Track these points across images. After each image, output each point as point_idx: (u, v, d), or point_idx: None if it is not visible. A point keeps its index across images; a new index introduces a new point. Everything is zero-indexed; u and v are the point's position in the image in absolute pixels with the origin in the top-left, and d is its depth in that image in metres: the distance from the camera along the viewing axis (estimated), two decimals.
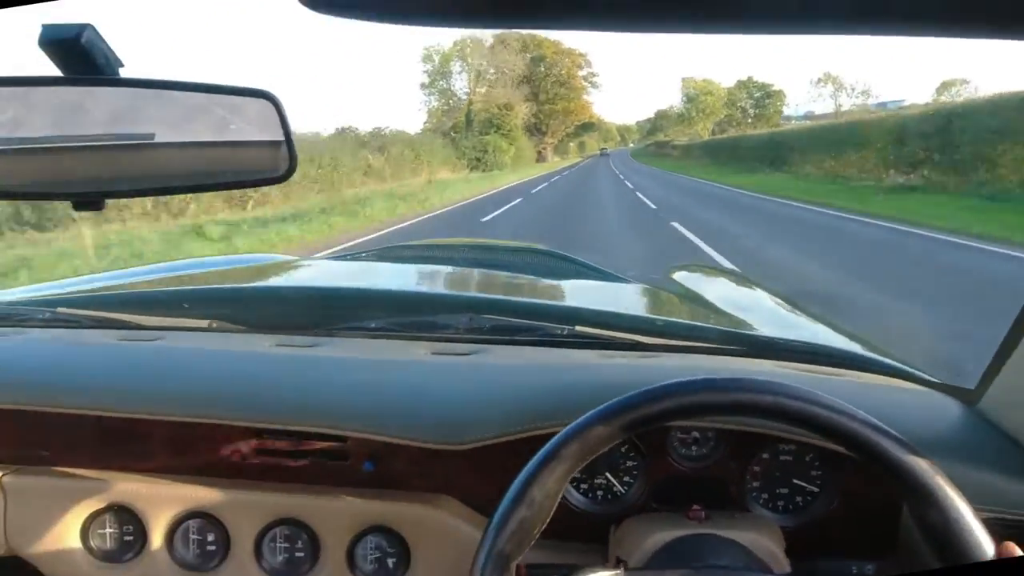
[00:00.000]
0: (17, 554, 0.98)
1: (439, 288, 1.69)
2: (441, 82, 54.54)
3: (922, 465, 0.60)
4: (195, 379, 0.99)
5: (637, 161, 62.94)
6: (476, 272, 1.87)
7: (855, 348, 1.27)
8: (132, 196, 0.60)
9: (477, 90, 53.93)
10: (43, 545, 0.97)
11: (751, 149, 35.13)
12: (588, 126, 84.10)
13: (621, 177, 30.92)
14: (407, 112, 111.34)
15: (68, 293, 1.44)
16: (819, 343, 1.25)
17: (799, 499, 0.93)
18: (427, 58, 53.88)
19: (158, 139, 0.60)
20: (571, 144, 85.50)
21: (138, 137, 0.61)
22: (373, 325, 1.17)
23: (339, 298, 1.34)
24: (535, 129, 63.79)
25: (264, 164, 0.59)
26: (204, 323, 1.20)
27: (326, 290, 1.45)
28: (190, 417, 0.94)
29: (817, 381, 0.97)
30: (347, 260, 2.07)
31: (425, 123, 51.61)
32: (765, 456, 0.92)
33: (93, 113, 0.59)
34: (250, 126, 0.58)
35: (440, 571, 0.92)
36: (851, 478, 0.90)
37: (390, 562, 0.93)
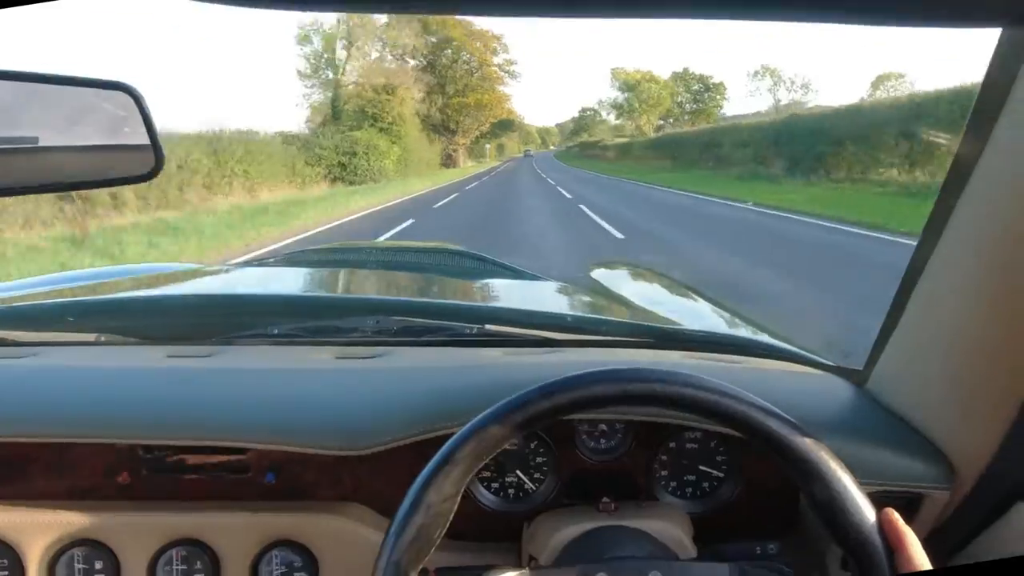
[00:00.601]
0: None
1: (346, 291, 1.65)
2: (326, 71, 39.75)
3: (806, 442, 0.61)
4: (76, 396, 0.93)
5: (566, 164, 58.91)
6: (386, 274, 1.84)
7: (757, 336, 1.31)
8: (8, 195, 0.55)
9: (348, 66, 38.58)
10: None
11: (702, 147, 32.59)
12: (506, 124, 74.70)
13: (553, 183, 26.37)
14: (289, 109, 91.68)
15: None
16: (723, 332, 1.29)
17: (705, 485, 0.95)
18: (304, 39, 39.48)
19: (36, 140, 0.55)
20: (487, 146, 77.83)
21: (16, 141, 0.55)
22: (276, 332, 1.13)
23: (239, 305, 1.28)
24: (443, 128, 53.89)
25: (127, 162, 0.55)
26: (90, 336, 1.12)
27: (225, 297, 1.38)
28: (71, 438, 0.88)
29: (718, 369, 0.99)
30: (253, 266, 1.99)
31: (307, 121, 38.21)
32: (672, 445, 0.94)
33: None
34: (110, 121, 0.54)
35: None
36: (753, 462, 0.92)
37: None
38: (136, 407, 0.90)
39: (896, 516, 0.61)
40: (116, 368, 1.01)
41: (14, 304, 1.27)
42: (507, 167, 55.01)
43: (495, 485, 0.94)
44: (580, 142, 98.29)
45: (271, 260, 2.06)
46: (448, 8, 0.32)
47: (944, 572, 0.69)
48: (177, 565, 0.89)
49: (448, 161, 53.71)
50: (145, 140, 0.53)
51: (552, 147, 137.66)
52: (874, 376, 0.92)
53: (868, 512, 0.61)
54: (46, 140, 0.56)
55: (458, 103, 55.02)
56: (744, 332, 1.38)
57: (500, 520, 0.93)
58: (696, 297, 1.92)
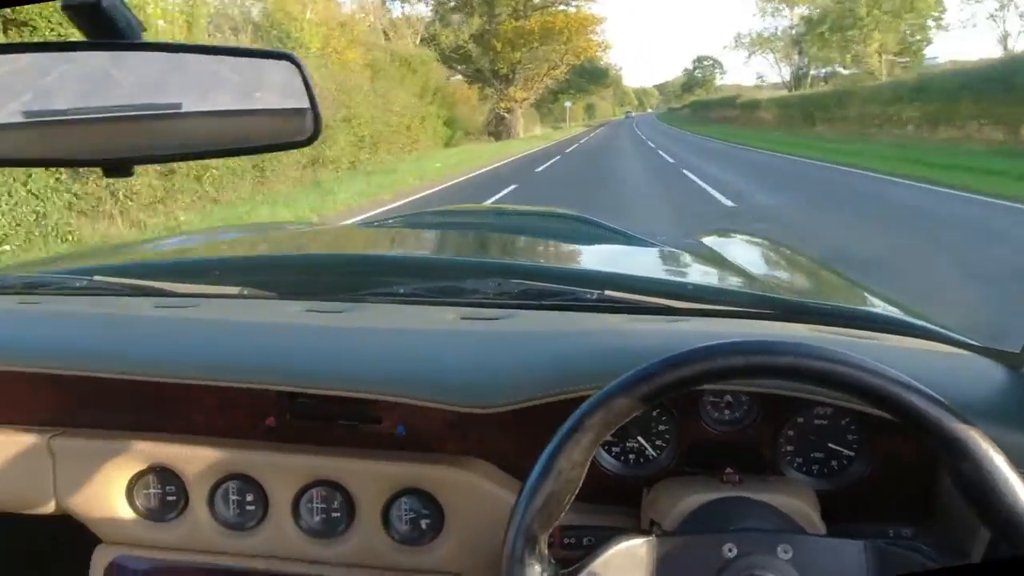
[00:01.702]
0: (67, 512, 1.01)
1: (466, 253, 1.68)
2: None
3: (954, 419, 0.58)
4: (228, 345, 1.01)
5: (687, 131, 40.88)
6: (503, 237, 1.86)
7: (892, 312, 1.24)
8: (160, 162, 0.60)
9: None
10: (91, 504, 1.00)
11: None
12: (596, 73, 52.51)
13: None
14: None
15: (104, 262, 1.47)
16: (855, 307, 1.23)
17: (834, 463, 0.92)
18: None
19: (184, 108, 0.60)
20: (568, 104, 51.68)
21: (165, 107, 0.60)
22: (401, 291, 1.18)
23: (367, 264, 1.34)
24: (492, 74, 34.20)
25: (290, 128, 0.59)
26: (235, 290, 1.21)
27: (354, 257, 1.45)
28: (224, 381, 0.96)
29: (852, 345, 0.95)
30: (374, 227, 2.07)
31: None
32: (800, 420, 0.91)
33: (120, 81, 0.59)
34: (274, 90, 0.57)
35: (473, 532, 0.93)
36: (888, 442, 0.88)
37: (424, 523, 0.95)
38: (281, 357, 0.97)
39: None
40: (261, 320, 1.09)
41: (172, 259, 1.39)
42: (598, 137, 37.08)
43: (616, 450, 0.95)
44: (693, 101, 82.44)
45: (390, 221, 2.14)
46: None
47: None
48: (317, 503, 0.96)
49: (499, 128, 34.43)
50: (306, 106, 0.57)
51: (650, 109, 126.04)
52: None
53: (1022, 492, 0.57)
54: (209, 106, 0.61)
55: (513, 30, 32.71)
56: (878, 308, 1.31)
57: (619, 484, 0.94)
58: (820, 268, 1.83)
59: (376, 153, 17.13)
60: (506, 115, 36.48)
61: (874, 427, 0.88)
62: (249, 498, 0.98)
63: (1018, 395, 0.84)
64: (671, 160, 19.42)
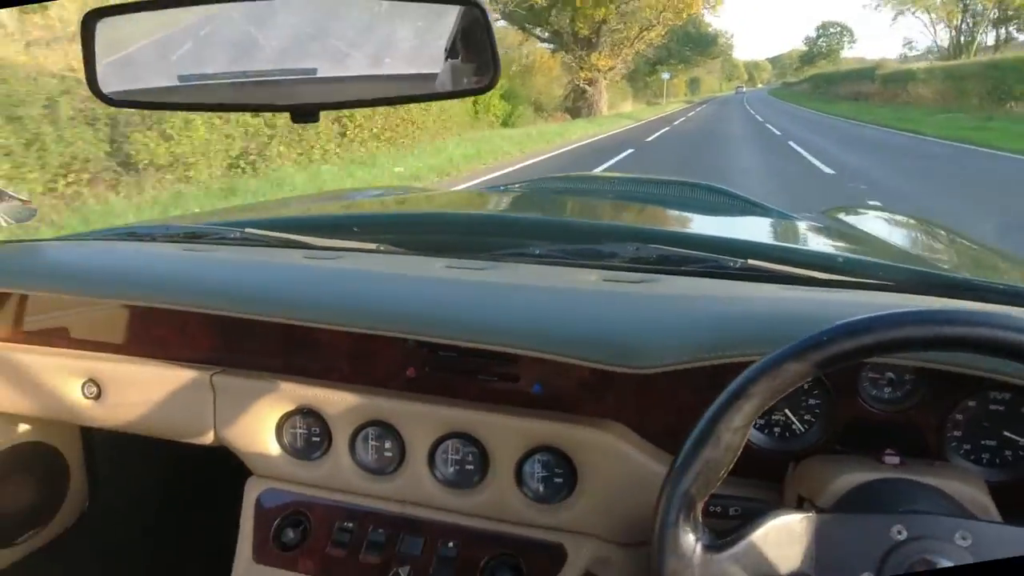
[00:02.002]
0: (224, 444, 1.09)
1: (601, 218, 1.66)
2: None
3: None
4: (372, 295, 1.04)
5: (818, 111, 33.96)
6: (635, 204, 1.83)
7: None
8: (342, 108, 0.62)
9: None
10: (245, 438, 1.07)
11: None
12: (702, 40, 44.54)
13: None
14: None
15: (255, 216, 1.56)
16: (1011, 283, 1.12)
17: (1008, 453, 0.84)
18: None
19: (371, 71, 0.61)
20: (666, 76, 41.92)
21: (353, 71, 0.62)
22: (538, 252, 1.18)
23: (502, 225, 1.35)
24: (572, 38, 28.14)
25: (470, 74, 0.59)
26: (373, 246, 1.25)
27: (489, 216, 1.46)
28: (368, 330, 0.99)
29: None
30: (504, 191, 2.09)
31: None
32: (971, 404, 0.84)
33: (311, 41, 0.61)
34: (457, 37, 0.58)
35: (606, 494, 0.92)
36: None
37: (558, 482, 0.95)
38: (422, 308, 0.99)
39: None
40: (402, 273, 1.13)
41: (315, 215, 1.45)
42: (697, 119, 29.50)
43: (760, 421, 0.92)
44: (814, 75, 69.52)
45: (518, 185, 2.15)
46: None
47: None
48: (452, 455, 0.99)
49: (577, 103, 28.42)
50: (487, 53, 0.57)
51: (760, 84, 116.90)
52: None
53: None
54: (392, 62, 0.62)
55: None
56: None
57: (761, 456, 0.90)
58: (971, 244, 1.69)
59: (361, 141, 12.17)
60: (587, 88, 29.01)
61: None
62: (388, 444, 1.01)
63: None
64: (816, 162, 12.32)
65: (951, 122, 20.37)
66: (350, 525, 1.04)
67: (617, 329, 0.89)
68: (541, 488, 0.96)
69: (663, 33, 32.24)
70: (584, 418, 0.96)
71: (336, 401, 1.03)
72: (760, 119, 28.01)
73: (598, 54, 29.22)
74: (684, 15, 31.39)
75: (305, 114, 0.59)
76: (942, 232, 1.82)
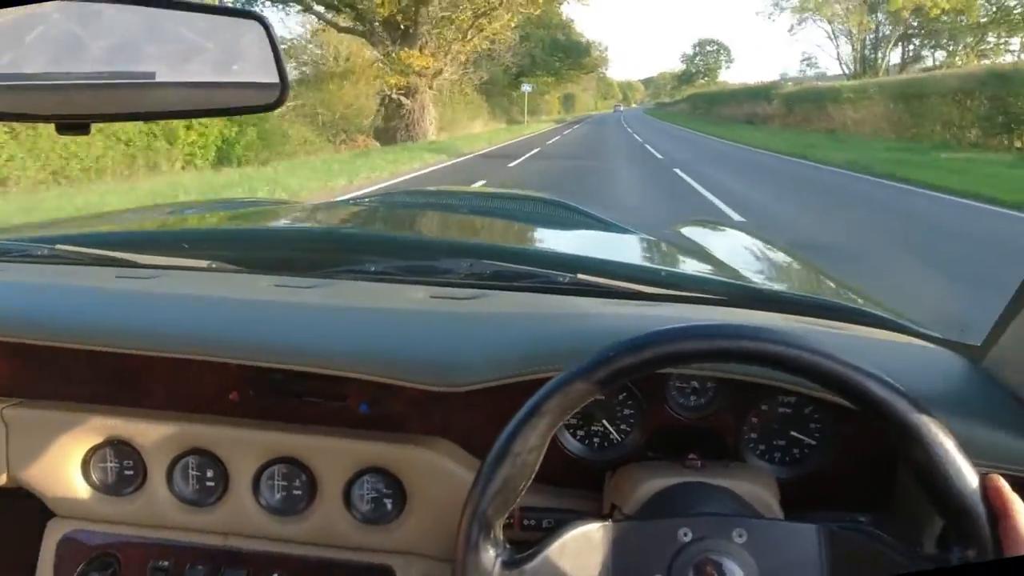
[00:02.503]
0: (21, 485, 0.99)
1: (439, 234, 1.67)
2: None
3: (907, 403, 0.59)
4: (192, 317, 0.99)
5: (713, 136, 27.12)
6: (478, 219, 1.85)
7: (859, 303, 1.25)
8: (122, 121, 0.59)
9: None
10: (45, 477, 0.98)
11: None
12: (575, 50, 38.06)
13: None
14: None
15: (69, 230, 1.43)
16: (824, 298, 1.24)
17: (796, 451, 0.92)
18: None
19: (158, 77, 0.58)
20: (525, 87, 33.99)
21: (135, 75, 0.58)
22: (372, 268, 1.16)
23: (338, 241, 1.32)
24: (384, 24, 19.52)
25: (255, 92, 0.57)
26: (203, 263, 1.19)
27: (324, 232, 1.43)
28: (186, 354, 0.94)
29: (816, 332, 0.96)
30: (349, 205, 2.05)
31: None
32: (764, 407, 0.92)
33: (90, 46, 0.57)
34: (244, 55, 0.56)
35: (435, 512, 0.92)
36: (849, 431, 0.89)
37: (387, 503, 0.94)
38: (246, 330, 0.95)
39: (1002, 482, 0.58)
40: (228, 293, 1.07)
41: (137, 230, 1.36)
42: (563, 144, 22.42)
43: (580, 433, 0.95)
44: (692, 94, 67.34)
45: (367, 200, 2.11)
46: None
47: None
48: (279, 480, 0.95)
49: (395, 124, 20.17)
50: (273, 70, 0.55)
51: (634, 104, 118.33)
52: (993, 353, 0.87)
53: (971, 477, 0.58)
54: (170, 69, 0.59)
55: None
56: (848, 300, 1.32)
57: (583, 467, 0.94)
58: (795, 260, 1.85)
59: None
60: (404, 101, 19.75)
61: (836, 417, 0.89)
62: (209, 473, 0.96)
63: (977, 388, 0.85)
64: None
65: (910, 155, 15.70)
66: (165, 564, 0.97)
67: (437, 348, 0.89)
68: (370, 510, 0.95)
69: (512, 26, 23.41)
70: (412, 436, 0.95)
71: (150, 430, 0.96)
72: (653, 151, 20.56)
73: (418, 51, 19.51)
74: (539, 5, 22.84)
75: (74, 127, 0.54)
76: (777, 249, 1.97)
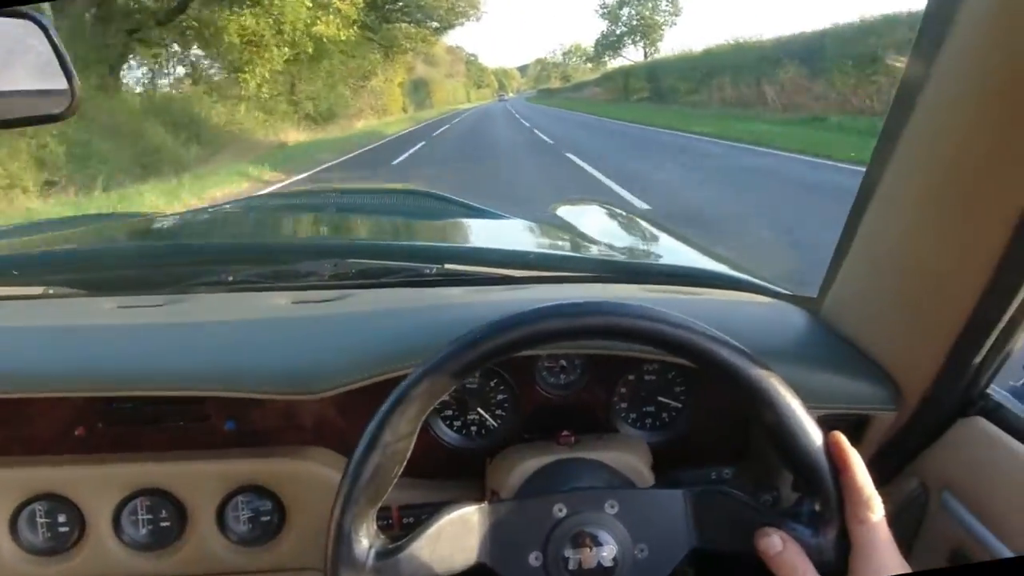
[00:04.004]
0: None
1: (303, 236, 1.61)
2: None
3: (755, 368, 0.62)
4: (26, 352, 0.90)
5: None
6: (343, 217, 1.80)
7: (715, 267, 1.32)
8: None
9: None
10: None
11: None
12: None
13: None
14: None
15: None
16: (682, 265, 1.29)
17: (664, 416, 0.96)
18: None
19: None
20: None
21: None
22: (230, 279, 1.10)
23: (190, 253, 1.25)
24: None
25: (38, 101, 0.51)
26: (38, 290, 1.09)
27: (175, 246, 1.34)
28: (23, 394, 0.86)
29: (675, 301, 1.00)
30: (206, 213, 1.94)
31: None
32: (630, 378, 0.95)
33: None
34: (17, 57, 0.50)
35: (318, 523, 0.89)
36: (709, 392, 0.94)
37: (264, 520, 0.90)
38: (89, 360, 0.88)
39: (842, 438, 0.62)
40: (67, 321, 0.99)
41: None
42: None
43: (457, 423, 0.95)
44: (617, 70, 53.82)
45: (227, 205, 2.01)
46: None
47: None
48: (143, 515, 0.89)
49: None
50: (58, 76, 0.50)
51: (512, 94, 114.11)
52: (827, 303, 0.94)
53: (815, 435, 0.62)
54: None
55: None
56: (705, 265, 1.39)
57: (463, 457, 0.94)
58: (660, 232, 1.92)
59: None
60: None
61: (696, 379, 0.94)
62: (61, 519, 0.88)
63: (815, 337, 0.92)
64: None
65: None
66: None
67: (298, 355, 0.86)
68: (247, 531, 0.90)
69: None
70: (285, 448, 0.91)
71: None
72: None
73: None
74: None
75: None
76: (642, 222, 2.04)
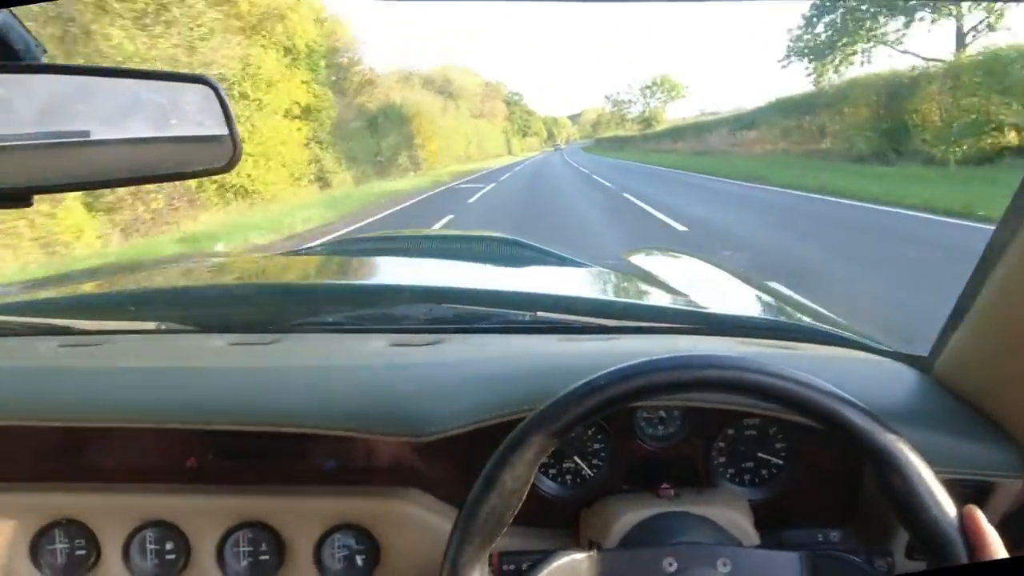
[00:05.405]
0: None
1: (396, 279, 1.66)
2: None
3: (884, 432, 0.60)
4: (142, 384, 0.95)
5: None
6: (433, 262, 1.85)
7: (812, 322, 1.29)
8: (65, 191, 0.57)
9: None
10: None
11: None
12: None
13: None
14: None
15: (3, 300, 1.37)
16: (777, 319, 1.27)
17: (765, 472, 0.94)
18: None
19: (93, 135, 0.56)
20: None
21: (71, 135, 0.56)
22: (330, 320, 1.15)
23: (293, 294, 1.30)
24: None
25: (207, 154, 0.56)
26: (152, 325, 1.15)
27: (279, 287, 1.41)
28: (138, 423, 0.90)
29: (777, 356, 0.98)
30: (302, 255, 2.02)
31: None
32: (730, 432, 0.93)
33: (21, 108, 0.55)
34: (190, 115, 0.55)
35: (412, 565, 0.90)
36: (814, 449, 0.91)
37: (359, 559, 0.91)
38: (201, 394, 0.92)
39: (979, 513, 0.59)
40: (181, 356, 1.04)
41: (80, 294, 1.31)
42: None
43: (553, 471, 0.95)
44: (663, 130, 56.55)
45: (319, 248, 2.09)
46: None
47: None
48: (244, 547, 0.92)
49: None
50: (224, 131, 0.54)
51: (562, 143, 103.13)
52: (941, 362, 0.90)
53: (948, 507, 0.59)
54: (125, 133, 0.57)
55: None
56: (797, 318, 1.36)
57: (558, 506, 0.93)
58: (743, 282, 1.90)
59: None
60: None
61: (800, 435, 0.91)
62: (169, 546, 0.92)
63: (930, 398, 0.89)
64: None
65: None
66: None
67: (400, 398, 0.88)
68: (343, 568, 0.92)
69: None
70: (382, 489, 0.93)
71: (103, 506, 0.92)
72: None
73: None
74: None
75: (13, 199, 0.52)
76: (725, 272, 2.01)
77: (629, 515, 0.81)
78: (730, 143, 32.58)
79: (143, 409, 0.91)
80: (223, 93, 0.54)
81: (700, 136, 39.25)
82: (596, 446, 0.94)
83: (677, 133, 46.91)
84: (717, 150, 32.64)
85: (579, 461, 0.94)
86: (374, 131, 25.76)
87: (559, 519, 0.92)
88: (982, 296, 0.80)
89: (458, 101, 45.08)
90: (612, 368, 0.64)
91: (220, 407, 0.90)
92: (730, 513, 0.82)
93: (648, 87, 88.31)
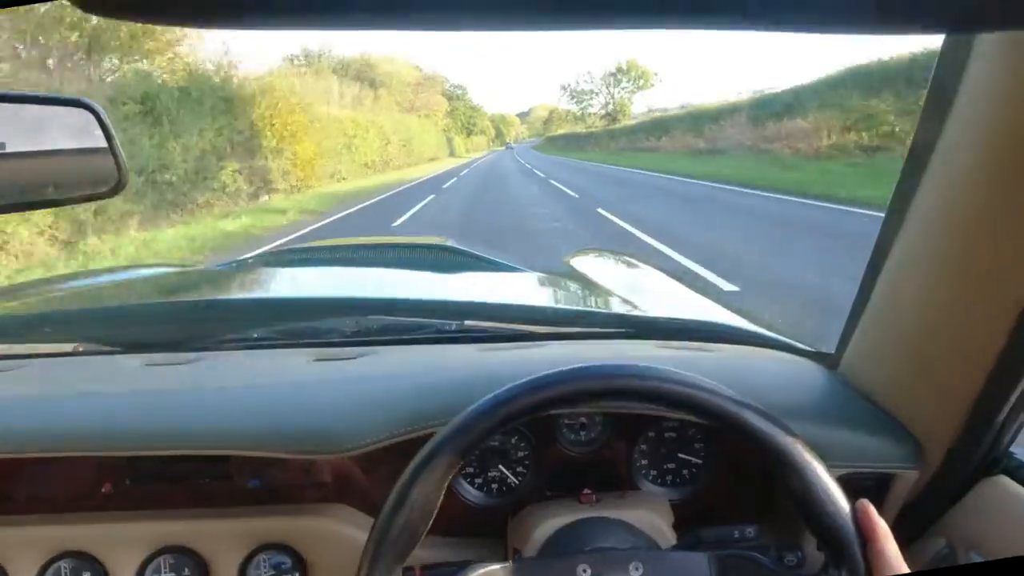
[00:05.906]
0: None
1: (324, 292, 1.64)
2: None
3: (780, 433, 0.63)
4: (56, 411, 0.92)
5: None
6: (366, 272, 1.83)
7: (733, 322, 1.33)
8: None
9: None
10: None
11: None
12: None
13: None
14: None
15: None
16: (698, 319, 1.30)
17: (685, 472, 0.96)
18: None
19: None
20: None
21: None
22: (254, 336, 1.13)
23: (215, 310, 1.27)
24: None
25: (91, 178, 0.55)
26: (67, 347, 1.11)
27: (201, 303, 1.37)
28: (52, 453, 0.87)
29: (693, 358, 1.01)
30: (231, 268, 1.98)
31: None
32: (651, 434, 0.95)
33: None
34: (70, 139, 0.53)
35: None
36: (730, 448, 0.94)
37: None
38: (116, 419, 0.89)
39: (870, 507, 0.62)
40: (95, 379, 1.01)
41: None
42: None
43: (478, 480, 0.95)
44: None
45: (249, 261, 2.05)
46: (438, 24, 0.31)
47: (942, 572, 0.70)
48: (166, 573, 0.90)
49: None
50: (107, 156, 0.53)
51: (512, 142, 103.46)
52: (845, 359, 0.94)
53: (842, 503, 0.62)
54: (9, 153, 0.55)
55: None
56: (720, 318, 1.40)
57: (485, 515, 0.94)
58: (673, 284, 1.94)
59: None
60: None
61: (717, 435, 0.94)
62: None
63: (835, 394, 0.92)
64: None
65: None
66: None
67: (317, 415, 0.87)
68: None
69: None
70: (308, 506, 0.92)
71: (14, 539, 0.88)
72: None
73: None
74: None
75: None
76: (658, 273, 2.05)
77: (549, 522, 0.82)
78: (759, 137, 22.63)
79: (54, 439, 0.87)
80: (104, 116, 0.52)
81: (700, 129, 29.88)
82: (520, 453, 0.95)
83: (660, 126, 38.11)
84: (736, 146, 23.73)
85: (504, 469, 0.95)
86: (159, 123, 12.07)
87: (488, 528, 0.93)
88: (875, 293, 0.84)
89: (378, 91, 37.27)
90: (517, 382, 0.65)
91: (134, 432, 0.88)
92: (648, 515, 0.84)
93: (612, 74, 77.70)
